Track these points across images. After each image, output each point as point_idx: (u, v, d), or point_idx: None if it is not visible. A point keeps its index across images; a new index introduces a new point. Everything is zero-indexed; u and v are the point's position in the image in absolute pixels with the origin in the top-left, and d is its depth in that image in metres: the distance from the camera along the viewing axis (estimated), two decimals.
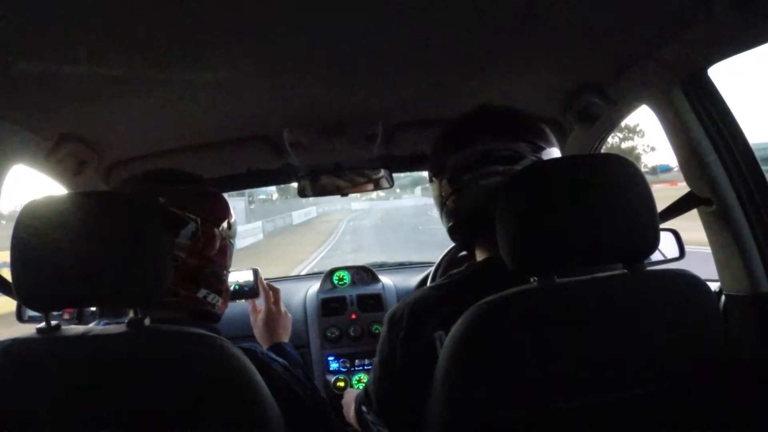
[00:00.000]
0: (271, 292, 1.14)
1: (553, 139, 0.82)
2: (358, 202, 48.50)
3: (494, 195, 0.70)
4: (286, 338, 1.10)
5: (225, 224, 0.87)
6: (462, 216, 0.81)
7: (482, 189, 0.77)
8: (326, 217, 35.76)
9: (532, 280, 0.64)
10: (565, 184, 0.64)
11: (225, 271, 0.88)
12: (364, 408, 0.87)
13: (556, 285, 0.63)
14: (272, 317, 1.11)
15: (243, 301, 1.24)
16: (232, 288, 1.19)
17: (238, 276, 1.23)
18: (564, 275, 0.65)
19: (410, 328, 0.76)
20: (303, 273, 5.52)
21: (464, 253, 1.55)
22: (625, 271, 0.66)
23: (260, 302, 1.15)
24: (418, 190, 49.96)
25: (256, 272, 1.23)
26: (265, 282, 1.18)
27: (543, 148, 0.79)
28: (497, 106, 0.83)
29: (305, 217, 33.63)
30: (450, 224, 0.84)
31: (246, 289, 1.23)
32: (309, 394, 0.84)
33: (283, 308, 1.14)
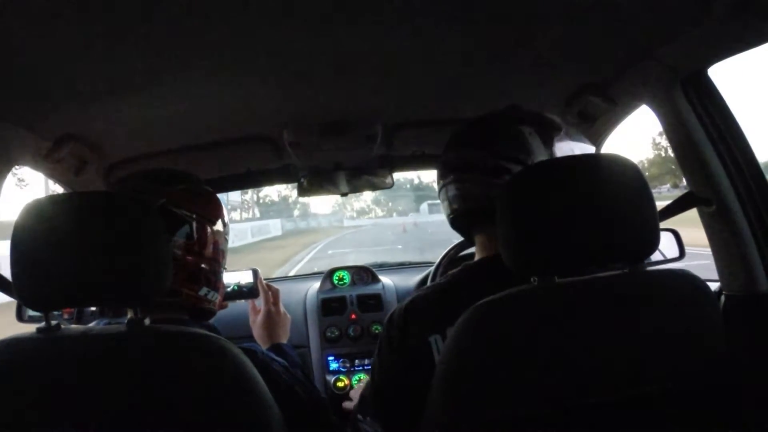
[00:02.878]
0: (270, 293, 1.14)
1: (540, 150, 0.82)
2: (352, 220, 41.53)
3: (474, 199, 0.80)
4: (285, 339, 1.10)
5: (219, 223, 0.87)
6: (452, 213, 0.85)
7: (464, 191, 0.82)
8: (292, 239, 22.61)
9: (532, 280, 0.64)
10: (565, 184, 0.64)
11: (221, 269, 0.89)
12: (359, 416, 0.86)
13: (557, 285, 0.63)
14: (271, 318, 1.11)
15: (242, 301, 1.23)
16: (231, 288, 1.20)
17: (237, 276, 1.23)
18: (564, 275, 0.65)
19: (404, 329, 0.76)
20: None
21: (465, 252, 1.56)
22: (626, 270, 0.66)
23: (259, 302, 1.15)
24: (424, 206, 44.58)
25: (255, 272, 1.23)
26: (264, 282, 1.18)
27: (526, 163, 0.79)
28: (501, 117, 0.85)
29: (252, 238, 19.82)
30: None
31: (245, 289, 1.23)
32: (309, 395, 0.85)
33: (282, 309, 1.14)
